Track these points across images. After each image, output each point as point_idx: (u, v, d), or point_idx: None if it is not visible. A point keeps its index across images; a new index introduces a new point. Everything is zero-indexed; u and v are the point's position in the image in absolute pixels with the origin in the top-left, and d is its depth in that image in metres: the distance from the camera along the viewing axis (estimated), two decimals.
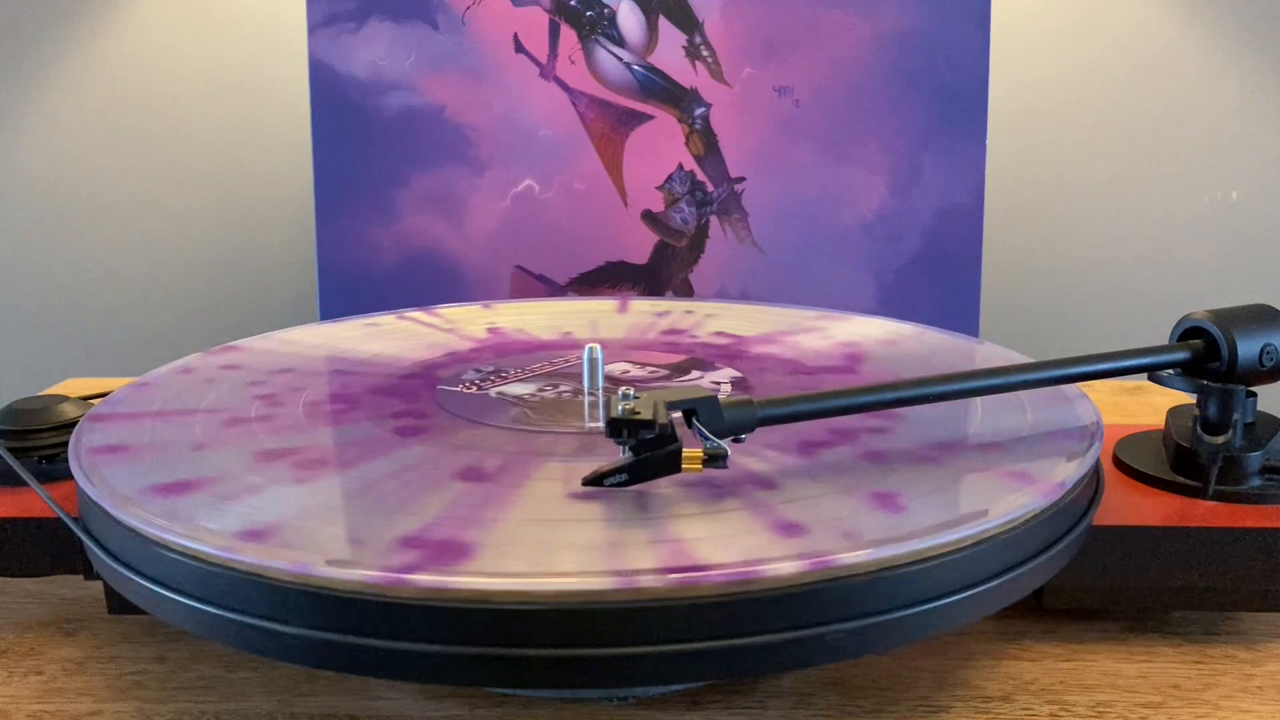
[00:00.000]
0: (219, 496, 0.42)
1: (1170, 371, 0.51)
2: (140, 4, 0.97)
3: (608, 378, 0.55)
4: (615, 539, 0.38)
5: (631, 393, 0.44)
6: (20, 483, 0.50)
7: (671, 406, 0.42)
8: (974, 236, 0.84)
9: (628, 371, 0.57)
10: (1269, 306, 0.51)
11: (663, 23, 0.83)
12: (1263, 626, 0.50)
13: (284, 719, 0.44)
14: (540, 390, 0.54)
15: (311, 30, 0.83)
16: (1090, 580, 0.47)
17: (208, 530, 0.39)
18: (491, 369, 0.58)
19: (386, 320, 0.69)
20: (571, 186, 0.85)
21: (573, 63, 0.84)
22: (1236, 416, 0.49)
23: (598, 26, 0.84)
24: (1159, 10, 0.94)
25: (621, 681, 0.37)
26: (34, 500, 0.49)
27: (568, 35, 0.84)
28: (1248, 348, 0.49)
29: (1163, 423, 0.54)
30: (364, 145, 0.84)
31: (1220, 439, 0.49)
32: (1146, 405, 0.77)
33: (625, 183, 0.85)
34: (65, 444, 0.51)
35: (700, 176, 0.85)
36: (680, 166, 0.85)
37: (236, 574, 0.38)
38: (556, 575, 0.36)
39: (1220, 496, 0.49)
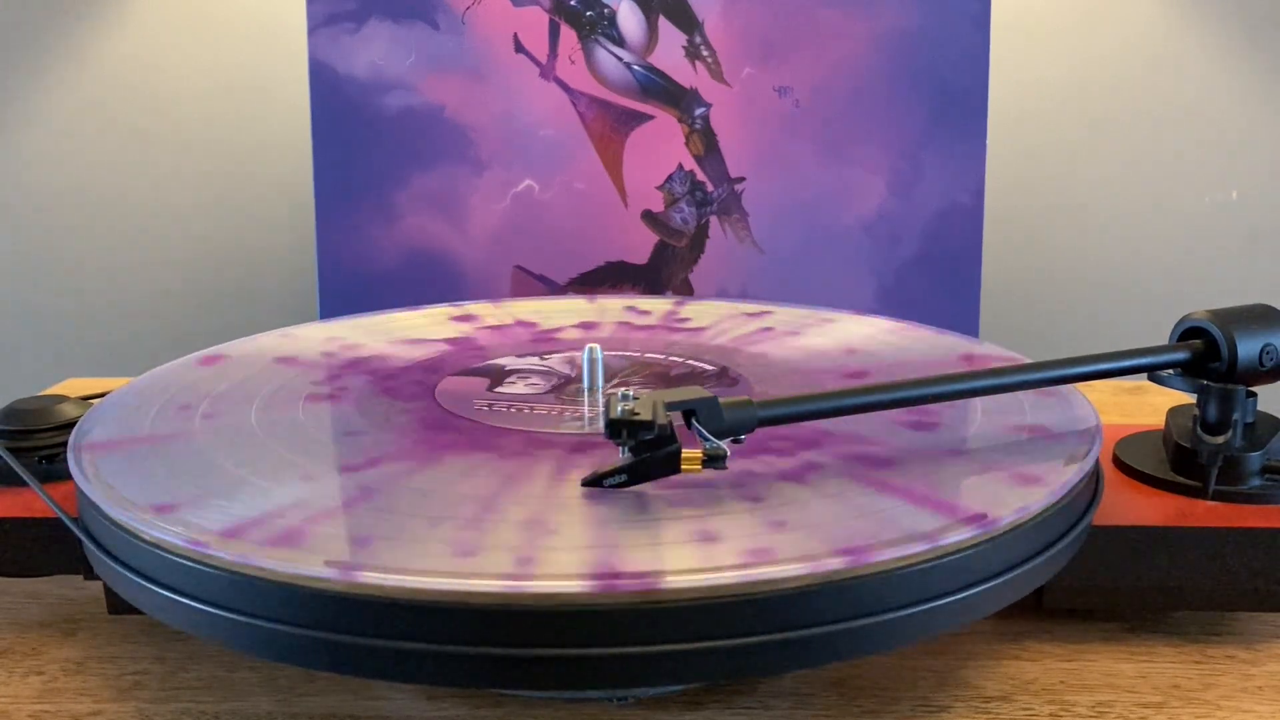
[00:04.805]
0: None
1: (1170, 371, 0.51)
2: (140, 4, 0.97)
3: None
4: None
5: (631, 393, 0.44)
6: (20, 483, 0.50)
7: (671, 407, 0.42)
8: (974, 236, 0.84)
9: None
10: (1269, 306, 0.51)
11: (663, 23, 0.83)
12: (1263, 626, 0.50)
13: (284, 719, 0.44)
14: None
15: (311, 30, 0.83)
16: (1090, 580, 0.47)
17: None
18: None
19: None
20: (571, 186, 0.85)
21: (573, 63, 0.84)
22: (1236, 416, 0.49)
23: (598, 26, 0.84)
24: (1159, 10, 0.94)
25: (622, 681, 0.37)
26: (34, 500, 0.49)
27: (568, 35, 0.84)
28: (1248, 348, 0.49)
29: (1163, 423, 0.53)
30: (364, 145, 0.84)
31: (1220, 439, 0.49)
32: (1146, 405, 0.77)
33: (625, 183, 0.85)
34: (65, 444, 0.51)
35: (700, 176, 0.85)
36: (680, 166, 0.85)
37: (236, 574, 0.38)
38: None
39: (1220, 496, 0.49)
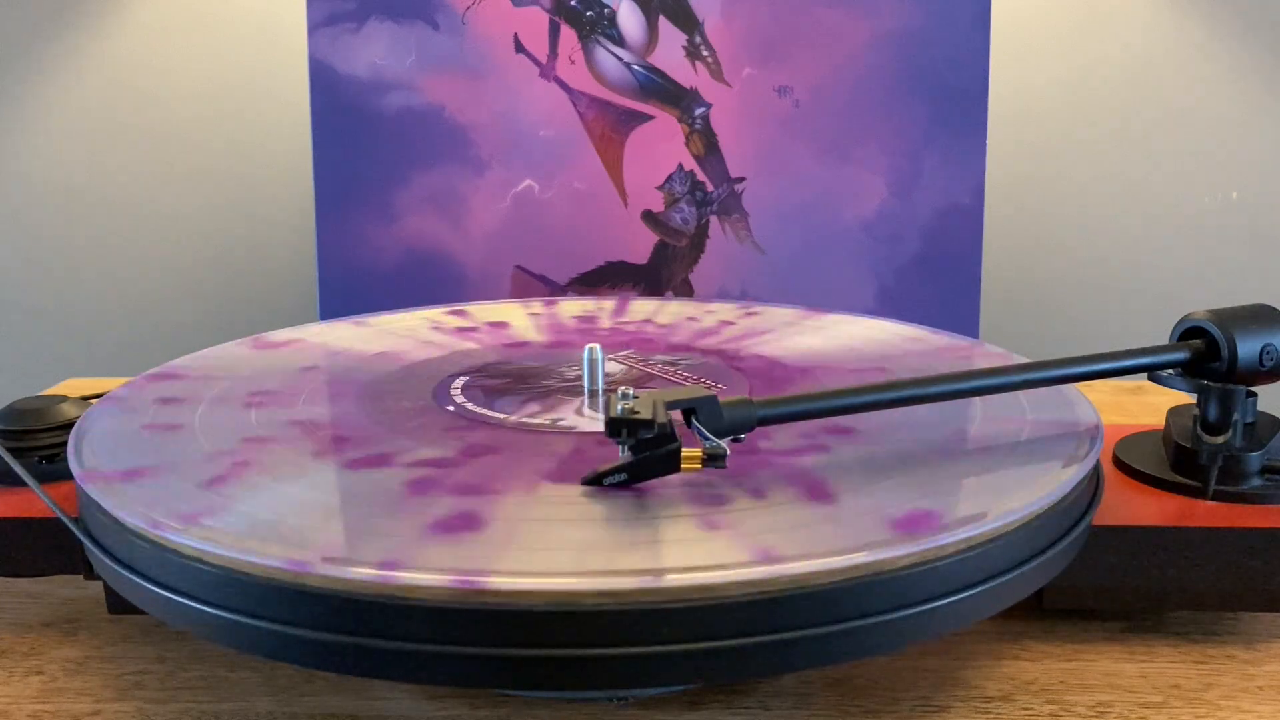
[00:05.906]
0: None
1: (1170, 371, 0.51)
2: (140, 4, 0.97)
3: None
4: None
5: (631, 392, 0.44)
6: (20, 483, 0.50)
7: (671, 406, 0.42)
8: (974, 236, 0.84)
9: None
10: (1269, 306, 0.51)
11: (663, 23, 0.83)
12: (1263, 626, 0.50)
13: (284, 719, 0.44)
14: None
15: (311, 30, 0.83)
16: (1090, 580, 0.47)
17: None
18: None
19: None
20: (571, 186, 0.85)
21: (573, 63, 0.84)
22: (1236, 416, 0.49)
23: (598, 26, 0.84)
24: (1159, 10, 0.94)
25: (622, 681, 0.37)
26: (34, 500, 0.49)
27: (568, 35, 0.84)
28: (1248, 348, 0.49)
29: (1163, 423, 0.53)
30: (364, 145, 0.84)
31: (1220, 439, 0.49)
32: (1146, 405, 0.77)
33: (625, 183, 0.85)
34: (65, 444, 0.51)
35: (700, 176, 0.85)
36: (680, 166, 0.85)
37: (236, 574, 0.38)
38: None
39: (1220, 496, 0.49)
